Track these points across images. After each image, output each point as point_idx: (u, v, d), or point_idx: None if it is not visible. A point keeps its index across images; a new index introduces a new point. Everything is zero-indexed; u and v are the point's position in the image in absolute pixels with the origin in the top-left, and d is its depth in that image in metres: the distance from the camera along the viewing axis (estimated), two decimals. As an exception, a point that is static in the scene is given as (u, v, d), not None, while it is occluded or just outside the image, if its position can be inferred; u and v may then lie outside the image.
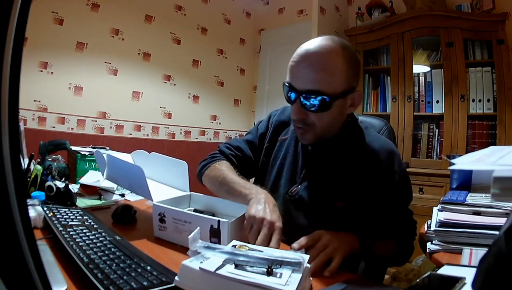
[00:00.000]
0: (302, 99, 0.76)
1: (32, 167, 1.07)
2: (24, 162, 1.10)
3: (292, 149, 0.92)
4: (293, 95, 0.78)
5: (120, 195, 1.16)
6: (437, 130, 2.31)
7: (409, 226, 0.88)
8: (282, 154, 0.93)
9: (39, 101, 2.11)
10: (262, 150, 0.98)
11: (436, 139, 2.31)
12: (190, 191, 0.94)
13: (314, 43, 0.76)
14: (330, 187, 0.83)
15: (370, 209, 0.82)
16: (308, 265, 0.53)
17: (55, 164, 1.20)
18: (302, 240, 0.68)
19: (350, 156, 0.84)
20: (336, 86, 0.75)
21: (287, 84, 0.79)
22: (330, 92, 0.74)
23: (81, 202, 1.02)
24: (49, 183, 0.93)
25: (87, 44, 2.29)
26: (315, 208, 0.84)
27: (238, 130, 3.19)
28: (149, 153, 1.08)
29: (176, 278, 0.49)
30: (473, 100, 2.16)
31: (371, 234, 0.78)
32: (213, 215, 0.83)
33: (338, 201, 0.82)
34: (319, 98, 0.74)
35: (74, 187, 1.17)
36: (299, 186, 0.87)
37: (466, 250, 0.75)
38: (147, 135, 2.63)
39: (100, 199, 1.11)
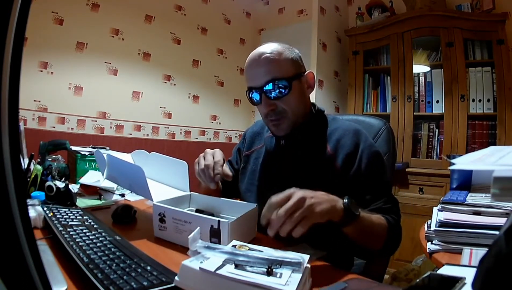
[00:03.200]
0: (265, 91, 0.85)
1: (32, 167, 1.07)
2: (24, 162, 1.10)
3: (268, 152, 0.98)
4: (256, 94, 0.87)
5: (120, 195, 1.16)
6: (437, 130, 2.31)
7: (392, 203, 0.85)
8: (260, 160, 0.99)
9: (39, 101, 2.11)
10: (241, 159, 1.07)
11: (436, 139, 2.31)
12: (190, 191, 0.94)
13: (257, 50, 0.89)
14: (308, 175, 0.87)
15: (348, 190, 0.81)
16: (308, 265, 0.53)
17: (55, 164, 1.20)
18: (273, 200, 0.63)
19: (320, 143, 0.90)
20: (286, 70, 0.86)
21: (248, 89, 0.89)
22: (284, 75, 0.85)
23: (81, 202, 1.02)
24: (49, 183, 0.93)
25: (87, 44, 2.29)
26: None
27: (238, 130, 3.19)
28: (149, 153, 1.08)
29: (176, 278, 0.49)
30: (473, 100, 2.16)
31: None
32: (213, 215, 0.83)
33: (317, 188, 0.83)
34: (277, 83, 0.84)
35: (74, 187, 1.17)
36: (281, 183, 0.88)
37: (466, 250, 0.75)
38: (147, 135, 2.63)
39: (100, 199, 1.11)
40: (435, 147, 2.30)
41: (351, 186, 0.83)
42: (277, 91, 0.85)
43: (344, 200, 0.69)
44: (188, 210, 0.86)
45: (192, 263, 0.49)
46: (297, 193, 0.64)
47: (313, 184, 0.83)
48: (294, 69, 0.87)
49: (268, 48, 0.87)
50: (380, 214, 0.80)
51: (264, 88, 0.85)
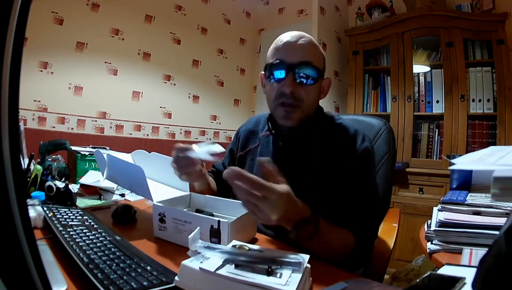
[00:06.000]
0: (296, 71, 0.79)
1: (32, 167, 1.07)
2: (24, 162, 1.10)
3: (264, 152, 0.94)
4: (283, 71, 0.80)
5: (120, 195, 1.16)
6: (437, 130, 2.31)
7: (367, 218, 0.79)
8: (256, 161, 0.94)
9: (39, 101, 2.11)
10: (235, 160, 1.02)
11: (436, 139, 2.31)
12: (190, 191, 0.94)
13: (293, 32, 0.84)
14: (303, 179, 0.83)
15: (336, 192, 0.80)
16: (308, 265, 0.53)
17: (55, 164, 1.20)
18: (269, 174, 0.63)
19: (319, 145, 0.86)
20: (320, 63, 0.84)
21: (275, 62, 0.81)
22: (318, 66, 0.82)
23: (81, 202, 1.02)
24: (49, 183, 0.93)
25: (87, 44, 2.29)
26: None
27: (238, 130, 3.19)
28: (149, 153, 1.08)
29: (176, 278, 0.49)
30: (473, 100, 2.16)
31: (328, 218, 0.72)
32: (213, 215, 0.83)
33: (311, 192, 0.80)
34: (310, 69, 0.80)
35: (74, 187, 1.17)
36: None
37: (466, 250, 0.75)
38: (147, 135, 2.63)
39: (100, 199, 1.11)
40: (435, 147, 2.30)
41: (336, 186, 0.80)
42: (306, 75, 0.80)
43: (304, 221, 0.65)
44: (188, 210, 0.86)
45: (192, 263, 0.49)
46: (281, 186, 0.61)
47: (310, 187, 0.83)
48: (323, 68, 0.86)
49: (306, 35, 0.84)
50: (348, 229, 0.75)
51: (296, 68, 0.79)
